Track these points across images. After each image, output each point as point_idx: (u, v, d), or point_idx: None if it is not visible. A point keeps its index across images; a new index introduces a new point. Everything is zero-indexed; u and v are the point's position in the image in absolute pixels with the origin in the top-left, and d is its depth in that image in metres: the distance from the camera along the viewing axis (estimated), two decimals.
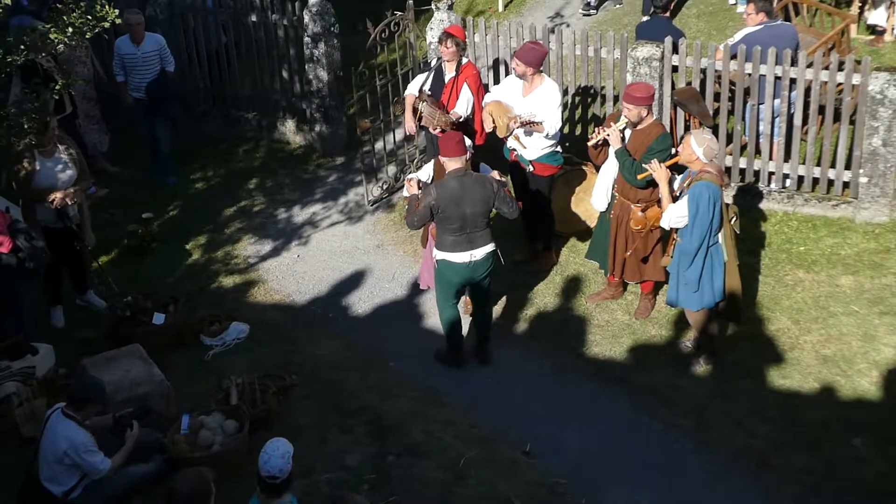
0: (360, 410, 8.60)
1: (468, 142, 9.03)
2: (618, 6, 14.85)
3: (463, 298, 9.35)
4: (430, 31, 11.56)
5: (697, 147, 8.35)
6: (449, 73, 10.28)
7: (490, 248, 8.79)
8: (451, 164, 8.61)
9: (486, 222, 8.71)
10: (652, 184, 8.78)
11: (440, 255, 8.80)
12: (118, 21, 8.46)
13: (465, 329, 9.33)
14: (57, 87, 8.66)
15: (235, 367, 8.96)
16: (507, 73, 11.34)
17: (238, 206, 11.75)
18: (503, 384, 9.01)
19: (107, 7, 8.04)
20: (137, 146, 12.37)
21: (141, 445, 7.65)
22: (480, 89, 10.32)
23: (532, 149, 9.74)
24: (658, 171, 8.53)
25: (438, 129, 10.10)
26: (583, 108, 11.67)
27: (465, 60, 10.34)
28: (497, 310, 9.75)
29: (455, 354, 9.24)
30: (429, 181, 9.23)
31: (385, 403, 8.72)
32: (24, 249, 8.76)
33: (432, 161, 9.48)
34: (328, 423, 8.46)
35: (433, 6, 11.67)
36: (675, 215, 8.44)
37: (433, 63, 10.55)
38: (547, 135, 9.61)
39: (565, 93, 10.93)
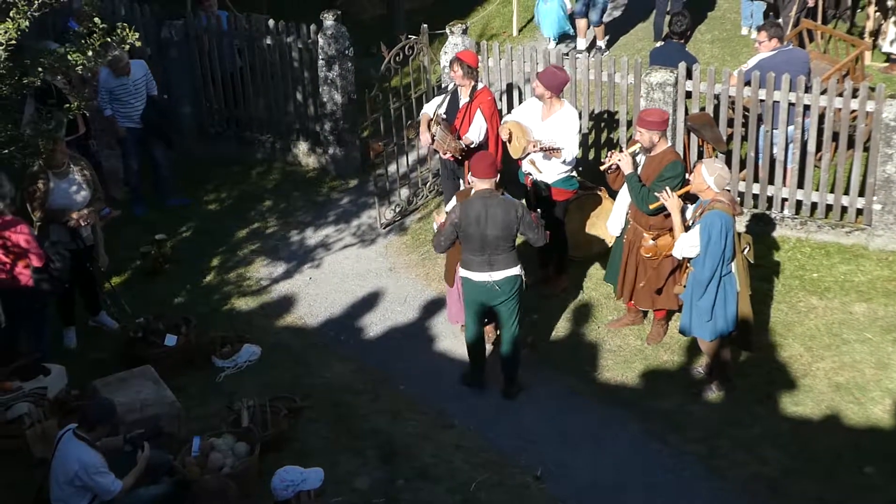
0: (370, 433, 8.60)
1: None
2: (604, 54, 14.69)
3: (487, 328, 9.34)
4: (445, 54, 11.59)
5: (708, 176, 8.34)
6: (463, 98, 10.30)
7: (512, 272, 8.73)
8: (481, 184, 8.62)
9: (509, 246, 8.65)
10: (663, 210, 8.76)
11: (463, 272, 8.84)
12: (138, 44, 8.51)
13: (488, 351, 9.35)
14: (72, 108, 8.70)
15: (247, 389, 8.98)
16: (520, 98, 11.37)
17: (251, 228, 11.78)
18: (514, 408, 8.98)
19: (128, 30, 8.07)
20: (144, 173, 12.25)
21: (151, 467, 7.64)
22: (495, 115, 10.31)
23: (547, 173, 9.75)
24: (670, 200, 8.51)
25: (449, 154, 10.14)
26: (596, 132, 11.68)
27: (480, 86, 10.36)
28: None
29: (474, 374, 9.23)
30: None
31: (395, 426, 8.72)
32: (55, 267, 8.86)
33: (454, 196, 9.40)
34: (338, 446, 8.45)
35: (447, 30, 11.70)
36: (687, 244, 8.42)
37: (450, 86, 10.57)
38: (564, 161, 9.62)
39: (579, 117, 10.91)
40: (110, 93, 11.52)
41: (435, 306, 10.15)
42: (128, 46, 8.42)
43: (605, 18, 14.77)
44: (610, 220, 9.51)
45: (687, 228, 8.49)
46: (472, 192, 8.71)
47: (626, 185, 9.07)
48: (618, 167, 9.04)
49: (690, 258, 8.48)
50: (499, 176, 8.84)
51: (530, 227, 8.66)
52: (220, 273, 11.05)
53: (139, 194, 12.00)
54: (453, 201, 9.24)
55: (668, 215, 8.67)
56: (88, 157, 10.62)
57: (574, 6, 14.43)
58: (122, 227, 11.51)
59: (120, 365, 9.16)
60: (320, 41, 12.11)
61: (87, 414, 7.43)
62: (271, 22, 12.51)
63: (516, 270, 8.75)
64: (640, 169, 8.98)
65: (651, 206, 8.76)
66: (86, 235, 9.56)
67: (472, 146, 10.12)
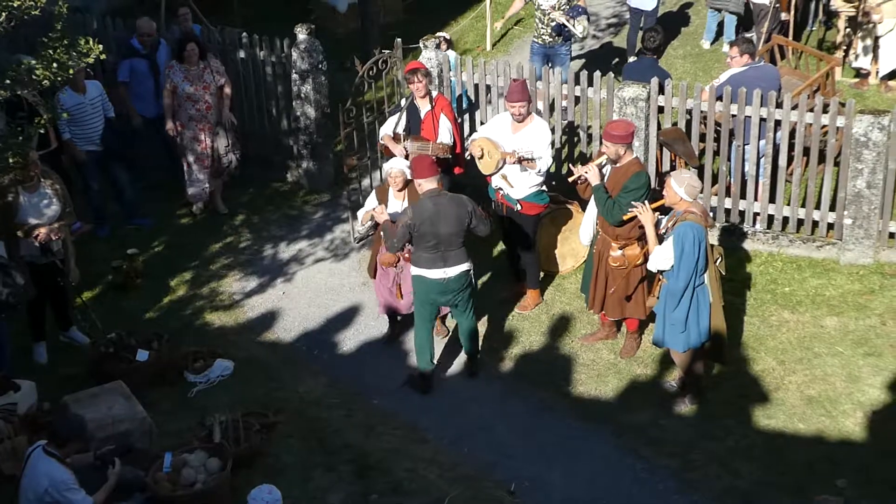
0: (343, 448, 8.57)
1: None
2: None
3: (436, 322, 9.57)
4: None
5: (678, 187, 8.39)
6: (424, 107, 10.34)
7: (464, 267, 8.99)
8: (427, 184, 8.85)
9: (461, 242, 8.91)
10: (629, 221, 8.80)
11: (416, 271, 9.01)
12: (102, 57, 8.46)
13: (437, 356, 9.47)
14: (42, 122, 8.63)
15: (219, 404, 8.92)
16: (493, 112, 11.39)
17: (224, 243, 11.72)
18: (488, 422, 8.98)
19: (91, 43, 8.03)
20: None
21: (122, 483, 7.57)
22: (455, 118, 10.55)
23: (519, 188, 9.77)
24: (644, 213, 8.55)
25: (435, 159, 10.15)
26: (569, 147, 11.71)
27: (434, 93, 10.46)
28: (481, 348, 9.73)
29: (422, 379, 9.33)
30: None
31: (369, 441, 8.69)
32: (5, 285, 8.73)
33: (374, 191, 9.78)
34: (312, 462, 8.41)
35: (421, 44, 11.73)
36: (660, 257, 8.45)
37: (403, 103, 10.58)
38: (539, 172, 9.65)
39: (552, 132, 10.94)
40: (68, 112, 11.14)
41: (408, 321, 10.13)
42: (91, 59, 8.35)
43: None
44: (581, 229, 9.56)
45: (660, 240, 8.52)
46: (420, 192, 8.92)
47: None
48: (585, 178, 9.09)
49: (664, 270, 8.51)
50: (440, 173, 9.11)
51: (481, 219, 8.98)
52: (192, 288, 10.99)
53: (102, 216, 11.87)
54: (372, 197, 9.55)
55: (639, 226, 8.72)
56: (60, 172, 10.53)
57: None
58: (94, 242, 11.45)
59: (91, 380, 9.08)
60: (294, 55, 12.10)
61: (57, 430, 7.38)
62: (245, 36, 12.49)
63: (467, 265, 9.03)
64: (606, 180, 9.03)
65: (625, 218, 8.80)
66: (56, 250, 9.49)
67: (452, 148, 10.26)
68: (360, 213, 9.87)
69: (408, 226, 8.77)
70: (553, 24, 12.67)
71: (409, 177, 9.45)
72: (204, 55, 11.62)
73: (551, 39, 12.81)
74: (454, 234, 8.81)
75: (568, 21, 12.56)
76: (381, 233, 9.35)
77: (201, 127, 11.69)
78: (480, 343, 9.63)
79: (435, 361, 9.42)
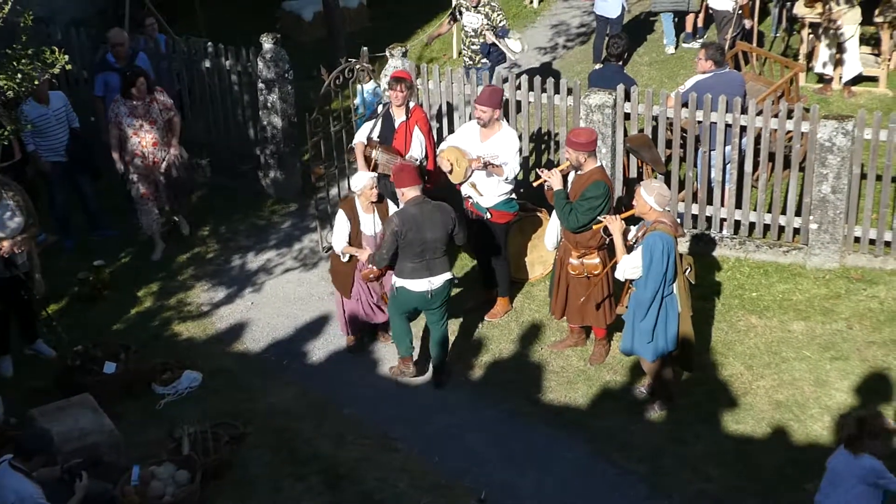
0: (313, 459, 8.54)
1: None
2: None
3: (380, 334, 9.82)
4: (385, 77, 11.60)
5: (648, 196, 8.41)
6: (399, 117, 10.33)
7: (448, 275, 9.02)
8: (410, 192, 8.81)
9: (444, 249, 8.92)
10: (588, 227, 8.84)
11: (399, 281, 8.95)
12: (68, 67, 8.40)
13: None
14: (6, 134, 8.56)
15: (188, 416, 8.86)
16: (460, 120, 11.40)
17: (191, 253, 11.66)
18: (458, 430, 8.96)
19: (57, 53, 7.98)
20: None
21: (90, 497, 7.51)
22: (430, 130, 10.47)
23: (488, 196, 9.78)
24: (613, 223, 8.57)
25: None
26: (536, 154, 11.74)
27: (412, 104, 10.42)
28: (451, 356, 9.73)
29: (406, 363, 9.41)
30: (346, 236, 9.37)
31: (339, 451, 8.66)
32: None
33: (340, 209, 9.47)
34: (282, 473, 8.38)
35: (387, 53, 11.72)
36: (629, 266, 8.46)
37: (380, 110, 10.59)
38: (507, 178, 9.67)
39: (519, 139, 10.97)
40: (32, 123, 11.07)
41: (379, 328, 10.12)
42: (57, 70, 8.29)
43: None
44: (546, 235, 9.58)
45: (629, 250, 8.54)
46: (403, 201, 8.86)
47: None
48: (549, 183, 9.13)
49: (633, 279, 8.53)
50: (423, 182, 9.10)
51: (462, 227, 9.09)
52: (159, 299, 10.92)
53: (68, 227, 11.77)
54: (342, 216, 9.36)
55: (601, 236, 8.78)
56: (25, 184, 10.43)
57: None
58: (60, 253, 11.35)
59: (58, 393, 9.01)
60: (259, 64, 12.07)
61: (23, 444, 7.29)
62: (210, 45, 12.44)
63: (451, 273, 9.08)
64: (569, 186, 9.06)
65: (595, 227, 8.84)
66: (20, 263, 9.40)
67: (417, 162, 10.18)
68: (336, 239, 9.46)
69: (395, 233, 8.71)
70: (481, 44, 12.90)
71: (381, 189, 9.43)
72: (151, 89, 11.14)
73: (471, 62, 13.07)
74: (440, 239, 8.82)
75: (498, 41, 12.79)
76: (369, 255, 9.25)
77: (147, 163, 11.16)
78: (450, 351, 9.62)
79: (415, 345, 9.49)
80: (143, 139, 11.08)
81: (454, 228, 8.92)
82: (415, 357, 9.55)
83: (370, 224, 9.31)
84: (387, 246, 8.80)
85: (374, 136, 10.36)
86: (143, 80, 11.00)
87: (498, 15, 12.96)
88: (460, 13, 13.23)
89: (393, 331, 9.38)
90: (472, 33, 13.01)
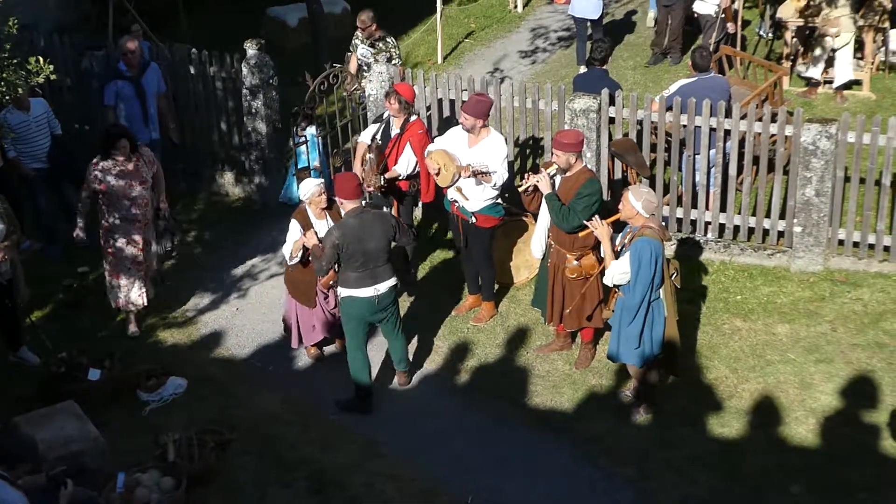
0: (299, 464, 8.52)
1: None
2: None
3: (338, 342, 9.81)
4: (369, 83, 11.60)
5: (636, 202, 8.40)
6: (394, 129, 10.32)
7: (392, 281, 9.03)
8: (349, 204, 8.85)
9: (387, 257, 8.94)
10: (584, 227, 8.84)
11: (344, 292, 8.96)
12: (53, 77, 8.38)
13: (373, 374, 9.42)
14: None
15: (173, 422, 8.84)
16: (445, 124, 11.41)
17: (176, 259, 11.62)
18: (444, 435, 8.96)
19: (41, 62, 7.96)
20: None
21: None
22: (424, 149, 10.23)
23: (474, 200, 9.78)
24: (600, 227, 8.57)
25: (370, 188, 10.17)
26: (521, 159, 11.75)
27: (413, 118, 10.36)
28: (437, 361, 9.75)
29: (363, 401, 9.26)
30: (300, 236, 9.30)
31: (325, 457, 8.65)
32: None
33: (293, 219, 9.30)
34: (268, 479, 8.35)
35: (373, 59, 11.72)
36: (617, 272, 8.46)
37: (385, 115, 10.57)
38: (495, 185, 9.67)
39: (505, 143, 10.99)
40: (12, 130, 10.77)
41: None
42: (42, 79, 8.26)
43: None
44: (532, 241, 9.56)
45: (617, 255, 8.54)
46: (344, 211, 8.89)
47: (544, 206, 9.13)
48: (535, 188, 9.11)
49: (620, 285, 8.53)
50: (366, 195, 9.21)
51: (404, 232, 9.15)
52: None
53: (54, 235, 11.72)
54: (294, 225, 9.25)
55: (590, 231, 8.78)
56: (8, 191, 10.38)
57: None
58: (44, 260, 11.30)
59: (42, 400, 8.97)
60: (244, 70, 12.06)
61: (7, 452, 7.27)
62: (194, 51, 12.43)
63: (395, 280, 9.08)
64: (556, 189, 9.06)
65: (581, 235, 8.83)
66: (3, 271, 9.35)
67: (398, 178, 10.19)
68: (287, 248, 9.33)
69: (336, 246, 8.73)
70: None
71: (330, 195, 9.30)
72: (135, 147, 10.02)
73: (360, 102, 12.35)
74: (381, 248, 8.85)
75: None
76: (310, 257, 9.17)
77: (137, 226, 10.09)
78: (436, 356, 9.62)
79: (372, 379, 9.36)
80: (136, 201, 9.99)
81: (395, 236, 8.98)
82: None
83: (324, 230, 9.24)
84: (327, 258, 8.80)
85: (378, 138, 10.36)
86: (125, 142, 9.85)
87: (393, 52, 12.61)
88: (354, 46, 12.92)
89: (352, 366, 9.18)
90: (366, 68, 12.50)
